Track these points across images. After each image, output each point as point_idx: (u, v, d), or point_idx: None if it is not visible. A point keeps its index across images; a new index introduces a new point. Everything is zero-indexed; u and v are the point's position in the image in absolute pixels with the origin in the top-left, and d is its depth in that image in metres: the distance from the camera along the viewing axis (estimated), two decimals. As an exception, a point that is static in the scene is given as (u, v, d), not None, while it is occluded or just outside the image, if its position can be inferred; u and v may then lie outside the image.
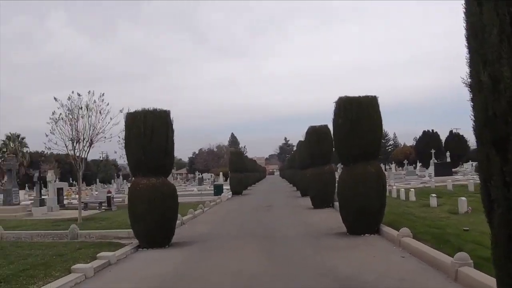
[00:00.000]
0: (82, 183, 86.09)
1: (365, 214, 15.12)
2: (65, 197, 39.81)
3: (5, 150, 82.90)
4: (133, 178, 16.79)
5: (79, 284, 10.77)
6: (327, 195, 26.77)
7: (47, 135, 23.26)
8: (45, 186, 36.91)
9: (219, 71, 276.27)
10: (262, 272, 11.11)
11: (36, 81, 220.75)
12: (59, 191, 37.12)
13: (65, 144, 23.23)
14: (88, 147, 23.40)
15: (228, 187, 49.57)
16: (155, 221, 14.97)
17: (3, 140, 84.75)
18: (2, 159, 79.11)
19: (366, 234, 15.30)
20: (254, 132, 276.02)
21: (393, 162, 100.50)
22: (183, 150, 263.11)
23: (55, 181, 51.88)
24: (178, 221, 20.69)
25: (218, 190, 44.66)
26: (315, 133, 27.41)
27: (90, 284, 10.84)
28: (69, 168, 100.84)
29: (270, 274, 10.94)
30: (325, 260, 12.10)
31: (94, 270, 11.74)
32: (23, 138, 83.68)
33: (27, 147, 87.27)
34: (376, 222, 15.45)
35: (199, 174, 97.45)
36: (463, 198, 19.42)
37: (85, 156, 23.84)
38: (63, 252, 13.98)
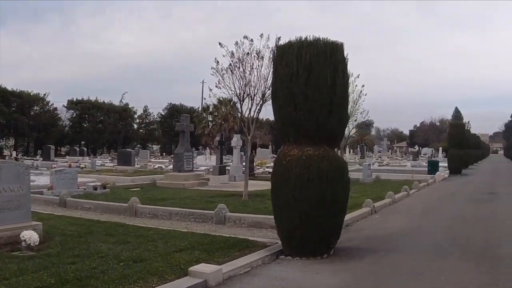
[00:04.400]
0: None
1: None
2: (257, 167, 36.77)
3: (216, 114, 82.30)
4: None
5: None
6: None
7: (211, 89, 19.07)
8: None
9: (446, 43, 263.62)
10: None
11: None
12: (250, 158, 33.39)
13: (232, 101, 18.81)
14: (259, 105, 18.45)
15: (446, 164, 42.76)
16: (306, 215, 9.45)
17: (215, 104, 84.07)
18: (213, 123, 78.50)
19: None
20: (479, 108, 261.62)
21: None
22: (403, 122, 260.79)
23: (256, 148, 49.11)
24: (368, 209, 15.83)
25: (432, 167, 37.75)
26: None
27: None
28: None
29: None
30: None
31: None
32: (235, 103, 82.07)
33: (239, 112, 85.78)
34: None
35: (415, 148, 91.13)
36: None
37: (256, 116, 18.89)
38: (147, 256, 9.21)
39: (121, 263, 8.54)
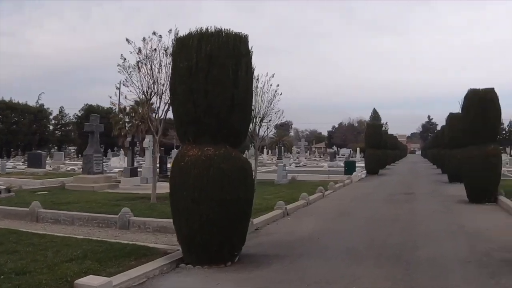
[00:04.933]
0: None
1: None
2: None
3: (133, 115, 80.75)
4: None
5: None
6: (491, 186, 19.09)
7: (117, 88, 18.17)
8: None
9: (365, 46, 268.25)
10: None
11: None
12: (162, 159, 32.32)
13: (139, 99, 18.07)
14: (168, 104, 17.64)
15: (363, 164, 42.83)
16: (206, 220, 8.73)
17: (132, 105, 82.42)
18: (130, 124, 76.92)
19: None
20: (397, 109, 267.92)
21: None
22: (323, 123, 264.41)
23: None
24: (280, 211, 15.19)
25: (349, 168, 37.58)
26: (478, 99, 19.31)
27: None
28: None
29: None
30: None
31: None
32: (152, 104, 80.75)
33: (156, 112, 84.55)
34: None
35: (333, 149, 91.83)
36: None
37: (163, 116, 18.13)
38: (33, 267, 8.26)
39: (2, 276, 7.66)
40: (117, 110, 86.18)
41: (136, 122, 77.07)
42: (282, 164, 33.39)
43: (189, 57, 8.94)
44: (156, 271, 8.53)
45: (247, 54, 9.39)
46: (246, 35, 9.43)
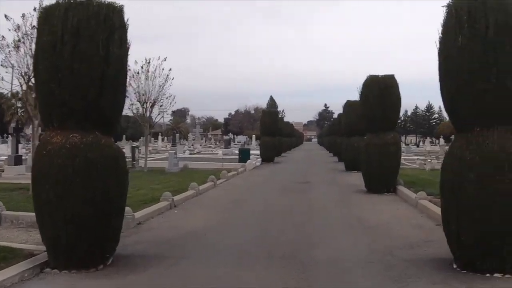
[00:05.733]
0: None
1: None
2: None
3: (26, 100, 77.44)
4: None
5: None
6: (390, 176, 18.70)
7: (-6, 68, 16.58)
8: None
9: (262, 34, 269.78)
10: None
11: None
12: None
13: (19, 82, 16.66)
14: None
15: (259, 152, 42.01)
16: (71, 217, 7.59)
17: (24, 90, 79.16)
18: (23, 110, 73.66)
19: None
20: (294, 98, 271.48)
21: (441, 137, 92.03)
22: (220, 110, 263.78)
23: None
24: (166, 203, 14.10)
25: (244, 155, 36.70)
26: (377, 86, 18.84)
27: None
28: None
29: None
30: None
31: None
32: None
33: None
34: None
35: (228, 136, 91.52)
36: None
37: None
38: None
39: None
40: (9, 94, 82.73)
41: (30, 108, 73.99)
42: (173, 151, 32.23)
43: (55, 30, 7.70)
44: (15, 278, 7.28)
45: (122, 27, 8.22)
46: (122, 5, 8.25)
